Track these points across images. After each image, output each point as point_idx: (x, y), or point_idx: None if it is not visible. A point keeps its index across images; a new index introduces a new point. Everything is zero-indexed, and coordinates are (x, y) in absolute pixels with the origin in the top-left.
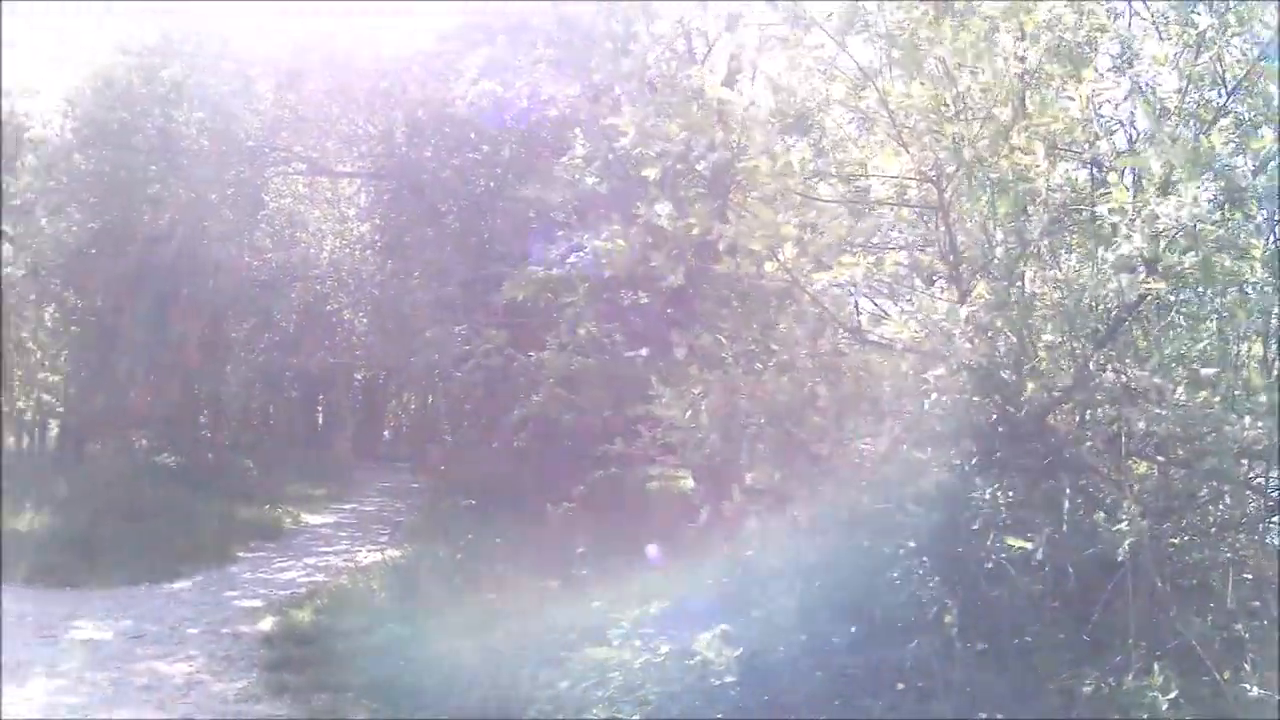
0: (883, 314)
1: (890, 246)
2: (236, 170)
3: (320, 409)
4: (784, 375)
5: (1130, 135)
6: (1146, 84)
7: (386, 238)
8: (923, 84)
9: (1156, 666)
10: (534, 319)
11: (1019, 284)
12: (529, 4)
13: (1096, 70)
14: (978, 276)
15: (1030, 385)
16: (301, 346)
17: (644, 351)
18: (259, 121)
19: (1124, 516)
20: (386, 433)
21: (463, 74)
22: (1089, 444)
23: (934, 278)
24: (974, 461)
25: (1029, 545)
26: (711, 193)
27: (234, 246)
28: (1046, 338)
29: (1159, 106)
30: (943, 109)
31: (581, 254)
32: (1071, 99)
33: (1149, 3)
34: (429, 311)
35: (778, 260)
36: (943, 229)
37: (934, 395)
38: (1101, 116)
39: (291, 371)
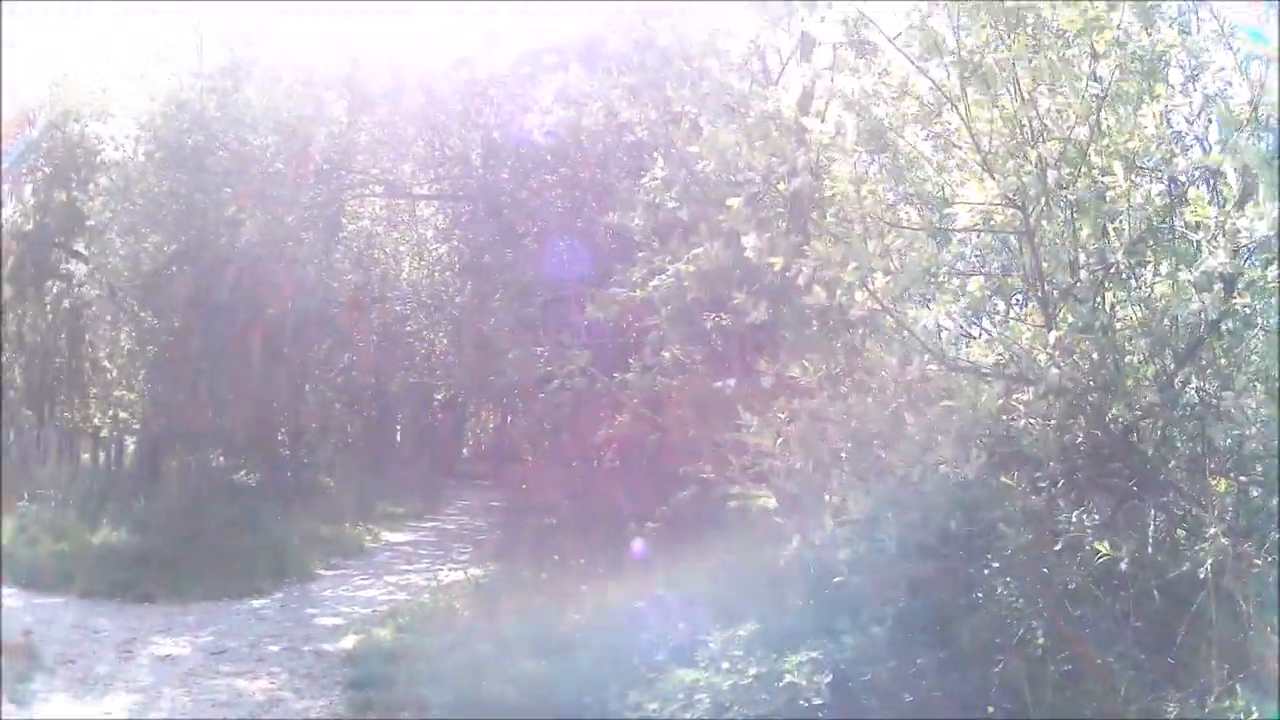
0: (968, 335)
1: (975, 272)
2: (313, 193)
3: (399, 426)
4: (871, 401)
5: (1205, 148)
6: (1217, 94)
7: (465, 259)
8: (1001, 107)
9: (1239, 689)
10: (616, 340)
11: (1103, 306)
12: (604, 28)
13: (1169, 84)
14: (1062, 300)
15: (1115, 406)
16: (381, 366)
17: (731, 382)
18: (334, 144)
19: (1206, 535)
20: (466, 450)
21: (538, 99)
22: (1172, 463)
23: (1019, 300)
24: (1060, 483)
25: (1119, 553)
26: (793, 220)
27: (312, 269)
28: (1130, 357)
29: (1230, 116)
30: (1023, 131)
31: (663, 278)
32: (1147, 116)
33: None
34: (510, 332)
35: (867, 289)
36: (1028, 253)
37: (1021, 420)
38: (1177, 132)
39: (370, 390)
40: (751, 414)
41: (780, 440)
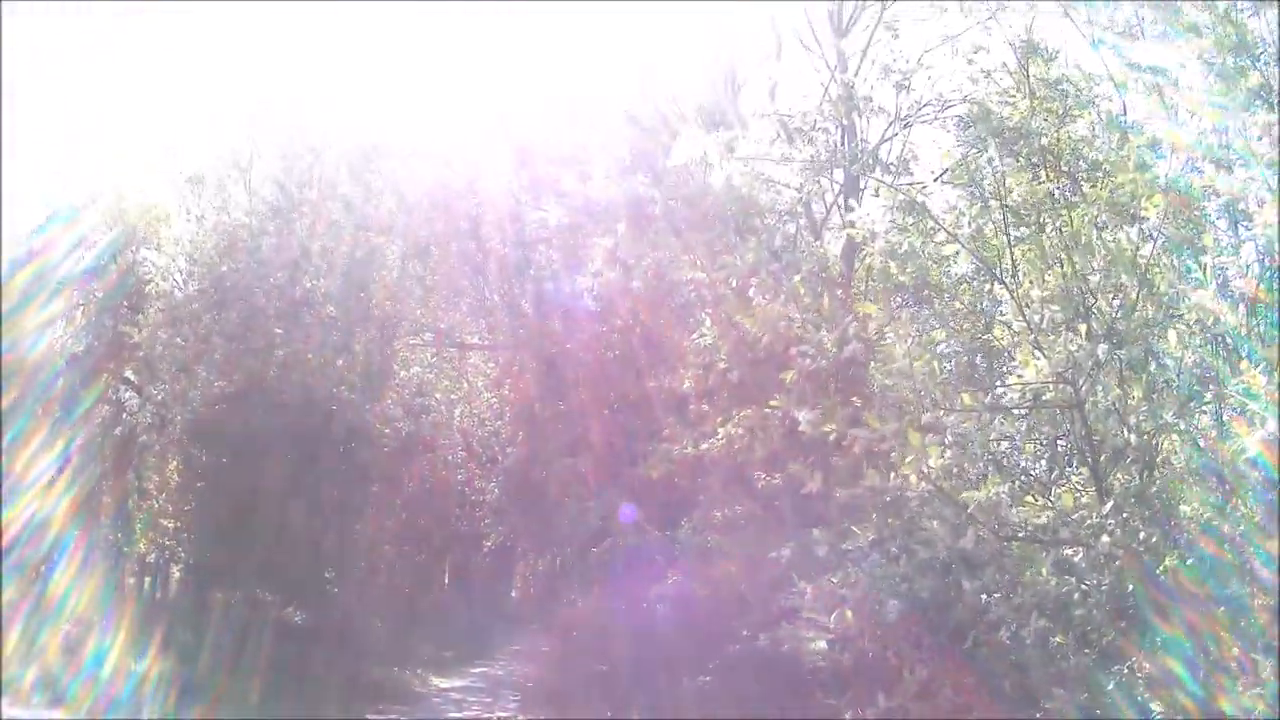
0: (1020, 495)
1: (1027, 440)
2: (365, 338)
3: (448, 569)
4: (928, 572)
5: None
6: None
7: (516, 409)
8: (1050, 275)
9: None
10: (668, 496)
11: (1151, 473)
12: (654, 187)
13: (1215, 235)
14: (1112, 465)
15: (1168, 559)
16: (431, 511)
17: (785, 552)
18: (387, 291)
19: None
20: (514, 593)
21: (588, 255)
22: None
23: (1071, 466)
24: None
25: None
26: (844, 390)
27: (364, 414)
28: (1185, 508)
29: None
30: (1074, 299)
31: (714, 441)
32: (1196, 274)
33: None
34: (562, 485)
35: (922, 473)
36: (1078, 421)
37: (1074, 581)
38: (1229, 293)
39: (420, 533)
40: (806, 582)
41: (836, 613)
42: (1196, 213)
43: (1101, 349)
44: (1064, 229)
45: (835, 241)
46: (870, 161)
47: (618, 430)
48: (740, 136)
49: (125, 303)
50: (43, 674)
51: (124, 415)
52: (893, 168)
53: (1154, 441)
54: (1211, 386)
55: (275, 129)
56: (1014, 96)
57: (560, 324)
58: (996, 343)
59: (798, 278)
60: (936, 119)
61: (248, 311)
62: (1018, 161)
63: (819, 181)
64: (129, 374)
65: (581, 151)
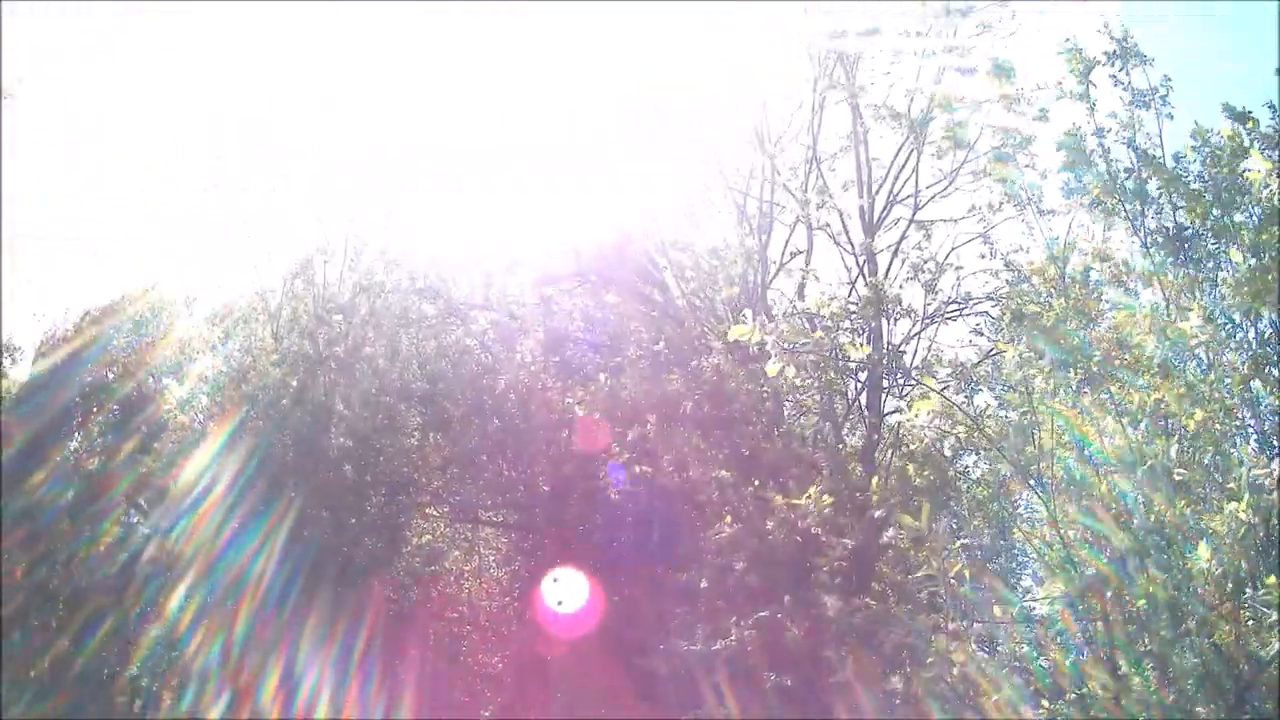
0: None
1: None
2: (379, 501)
3: None
4: None
5: None
6: None
7: (526, 587)
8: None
9: None
10: (677, 690)
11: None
12: (681, 383)
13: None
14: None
15: None
16: (436, 679)
17: None
18: (406, 458)
19: None
20: None
21: (614, 445)
22: None
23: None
24: None
25: None
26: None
27: (373, 579)
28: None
29: None
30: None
31: (728, 641)
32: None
33: None
34: (564, 670)
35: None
36: (1103, 630)
37: None
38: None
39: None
40: None
41: None
42: (1234, 426)
43: (1132, 563)
44: (1106, 441)
45: (854, 435)
46: (894, 365)
47: (628, 618)
48: (768, 335)
49: (144, 428)
50: None
51: (133, 540)
52: (916, 371)
53: (1174, 641)
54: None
55: (310, 281)
56: (1045, 291)
57: (576, 506)
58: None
59: (813, 489)
60: (961, 316)
61: (262, 463)
62: (1047, 361)
63: (843, 380)
64: (142, 500)
65: (614, 340)
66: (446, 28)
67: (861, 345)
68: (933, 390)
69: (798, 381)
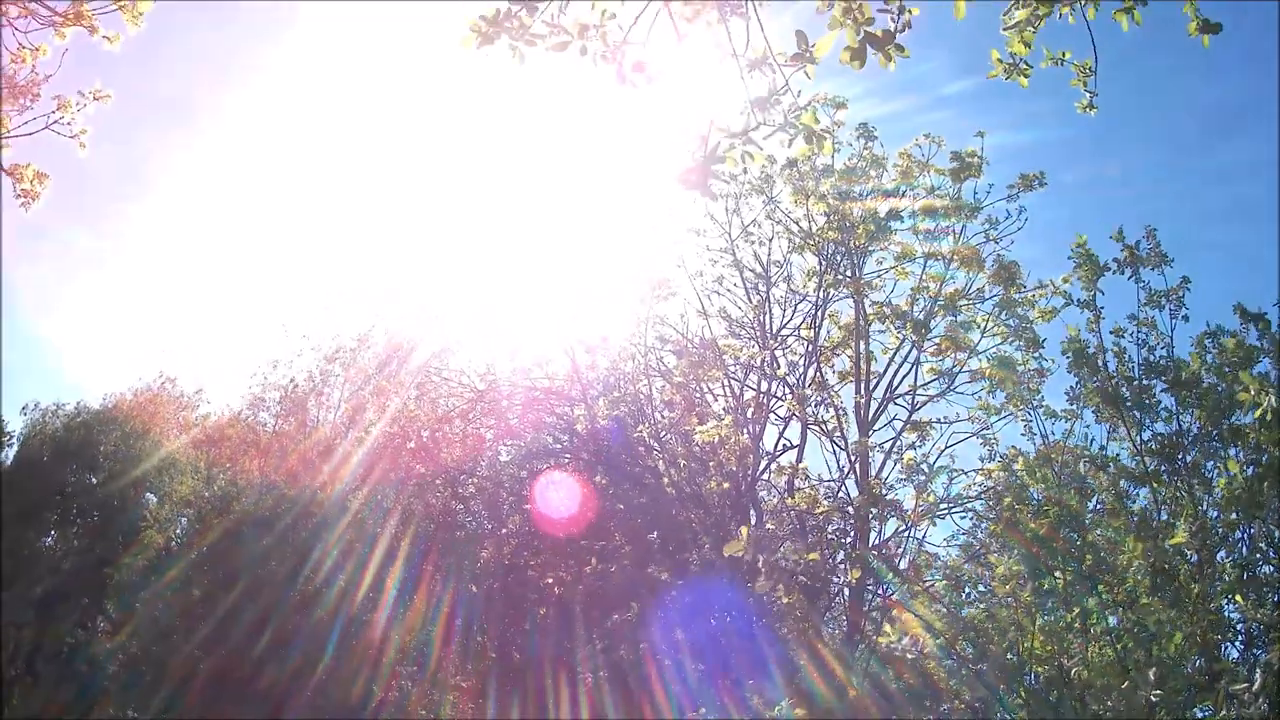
0: None
1: None
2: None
3: None
4: None
5: None
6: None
7: None
8: None
9: None
10: None
11: None
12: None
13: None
14: None
15: None
16: None
17: None
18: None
19: None
20: None
21: None
22: None
23: None
24: None
25: None
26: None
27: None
28: None
29: None
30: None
31: None
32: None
33: None
34: None
35: None
36: None
37: None
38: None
39: None
40: None
41: None
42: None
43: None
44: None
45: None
46: (884, 566)
47: None
48: (761, 552)
49: (120, 539)
50: None
51: (97, 641)
52: (906, 574)
53: None
54: None
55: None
56: (1038, 491)
57: None
58: None
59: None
60: (949, 515)
61: (226, 581)
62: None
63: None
64: (109, 606)
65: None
66: None
67: (854, 570)
68: (916, 606)
69: (785, 599)
